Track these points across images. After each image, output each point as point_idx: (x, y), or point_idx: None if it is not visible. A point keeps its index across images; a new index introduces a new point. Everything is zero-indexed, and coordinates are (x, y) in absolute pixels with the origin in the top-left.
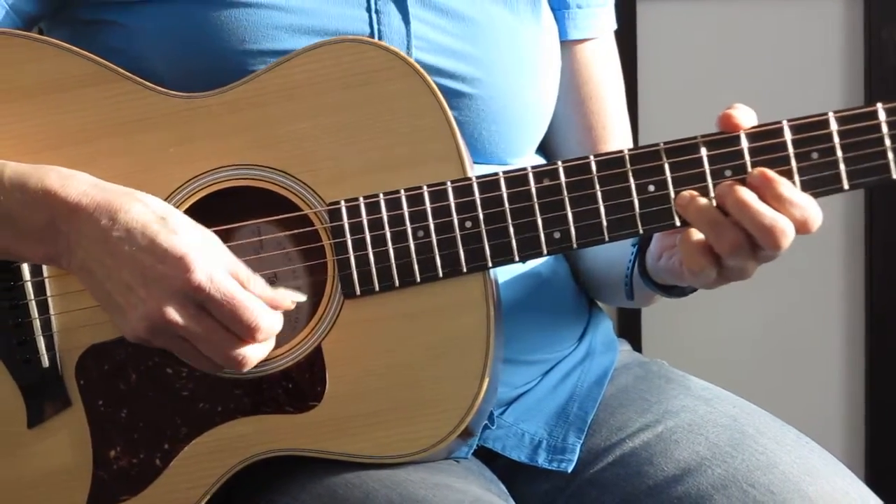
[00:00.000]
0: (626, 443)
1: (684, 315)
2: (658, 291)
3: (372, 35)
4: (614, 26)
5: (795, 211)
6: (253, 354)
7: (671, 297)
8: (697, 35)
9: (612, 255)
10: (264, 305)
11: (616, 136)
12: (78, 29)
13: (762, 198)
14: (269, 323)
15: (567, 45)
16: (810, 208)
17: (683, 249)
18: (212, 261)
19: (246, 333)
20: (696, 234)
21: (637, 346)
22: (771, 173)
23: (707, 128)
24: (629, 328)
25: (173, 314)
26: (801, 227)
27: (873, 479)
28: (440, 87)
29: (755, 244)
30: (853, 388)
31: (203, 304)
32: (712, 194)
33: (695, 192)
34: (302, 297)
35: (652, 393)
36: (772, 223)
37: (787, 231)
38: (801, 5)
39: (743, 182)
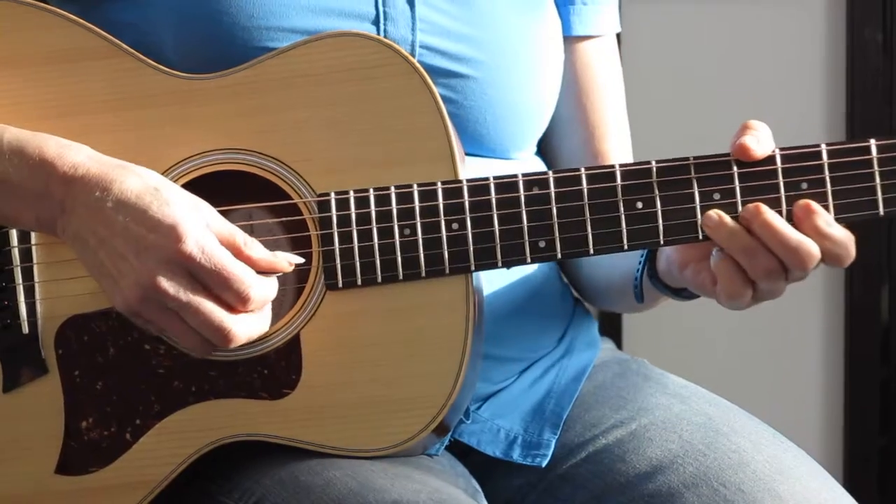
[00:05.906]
0: (599, 439)
1: (665, 314)
2: (670, 294)
3: (377, 16)
4: (618, 28)
5: (830, 245)
6: (242, 329)
7: (681, 299)
8: (680, 35)
9: (615, 260)
10: (255, 275)
11: (618, 137)
12: (85, 2)
13: (801, 228)
14: (260, 292)
15: (570, 41)
16: (847, 246)
17: (723, 277)
18: (203, 230)
19: (237, 302)
20: (730, 262)
21: (619, 345)
22: (814, 205)
23: (689, 129)
24: (610, 327)
25: (164, 282)
26: (834, 260)
27: (850, 481)
28: (444, 70)
29: (785, 266)
30: (832, 388)
31: (194, 274)
32: (699, 217)
33: (721, 213)
34: (300, 259)
35: (628, 390)
36: (797, 244)
37: (812, 252)
38: (784, 5)
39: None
